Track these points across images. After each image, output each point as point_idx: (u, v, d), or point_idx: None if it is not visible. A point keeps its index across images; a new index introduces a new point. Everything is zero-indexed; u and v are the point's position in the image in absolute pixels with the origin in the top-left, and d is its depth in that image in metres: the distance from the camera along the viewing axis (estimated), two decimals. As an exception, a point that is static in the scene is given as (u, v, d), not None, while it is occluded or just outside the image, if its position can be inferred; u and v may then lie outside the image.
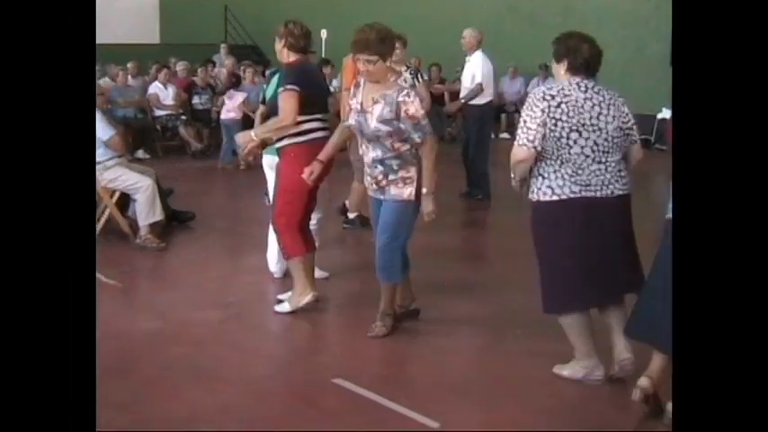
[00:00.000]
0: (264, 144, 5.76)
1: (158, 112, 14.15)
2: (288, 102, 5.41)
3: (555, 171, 4.42)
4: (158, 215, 7.79)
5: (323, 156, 5.39)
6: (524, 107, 4.44)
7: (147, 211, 7.69)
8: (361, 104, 5.10)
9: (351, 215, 8.44)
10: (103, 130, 7.62)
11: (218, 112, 13.82)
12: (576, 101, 4.38)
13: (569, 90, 4.40)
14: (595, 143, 4.38)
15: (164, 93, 14.18)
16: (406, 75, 7.91)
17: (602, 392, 4.56)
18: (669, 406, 3.88)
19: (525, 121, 4.38)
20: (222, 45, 18.50)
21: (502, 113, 16.84)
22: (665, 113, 14.67)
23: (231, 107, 13.07)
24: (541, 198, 4.48)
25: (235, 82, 14.09)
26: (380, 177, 5.11)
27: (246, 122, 13.47)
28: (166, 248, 7.70)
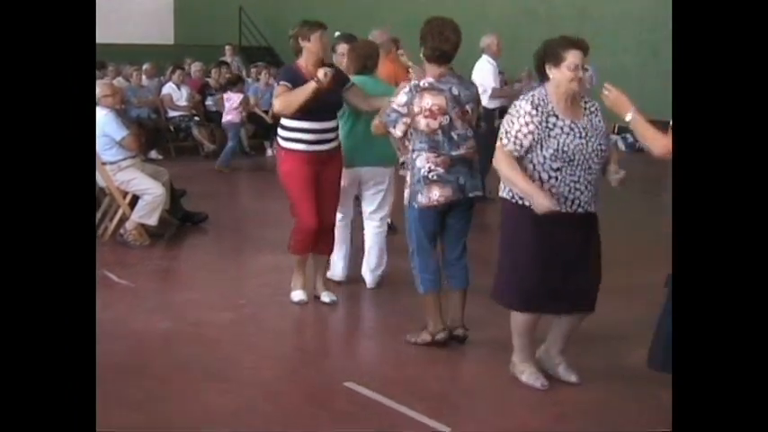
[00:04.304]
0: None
1: (172, 113, 14.19)
2: (276, 93, 5.82)
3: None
4: (153, 221, 7.78)
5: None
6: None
7: (145, 212, 7.69)
8: None
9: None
10: (117, 131, 7.63)
11: (218, 112, 13.87)
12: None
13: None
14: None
15: (177, 93, 14.22)
16: None
17: (615, 399, 4.54)
18: None
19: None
20: (227, 47, 18.41)
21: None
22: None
23: (229, 109, 13.07)
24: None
25: (234, 81, 14.01)
26: None
27: (259, 122, 13.57)
28: (152, 246, 7.72)
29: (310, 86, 5.50)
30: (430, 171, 4.87)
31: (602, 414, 4.40)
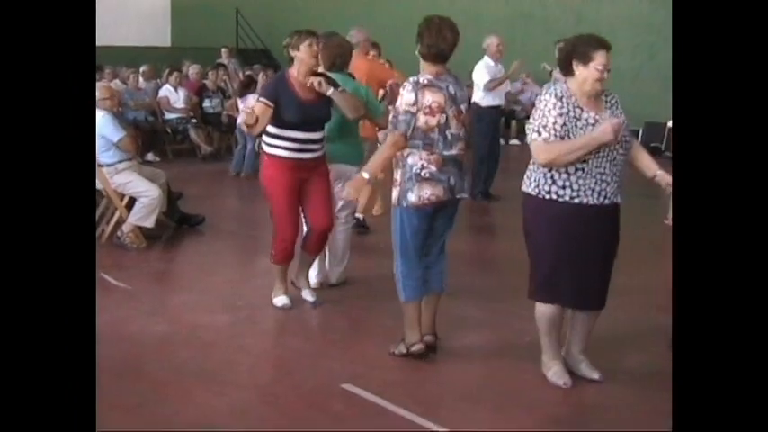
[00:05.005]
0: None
1: (169, 116, 14.18)
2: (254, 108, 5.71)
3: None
4: (149, 223, 7.77)
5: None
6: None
7: (142, 215, 7.68)
8: None
9: (359, 216, 8.21)
10: (113, 133, 7.62)
11: (230, 116, 13.85)
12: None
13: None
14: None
15: (174, 96, 14.21)
16: None
17: (612, 400, 4.54)
18: None
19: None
20: (223, 49, 18.35)
21: (512, 119, 16.81)
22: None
23: (243, 111, 13.04)
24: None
25: (246, 84, 14.01)
26: None
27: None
28: (149, 248, 7.73)
29: (244, 127, 5.62)
30: (422, 168, 4.81)
31: (600, 415, 4.41)
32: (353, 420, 4.29)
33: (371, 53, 8.58)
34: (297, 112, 5.58)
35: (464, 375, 5.02)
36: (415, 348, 5.01)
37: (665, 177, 4.39)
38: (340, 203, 6.37)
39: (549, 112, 4.38)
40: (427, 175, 4.82)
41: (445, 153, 4.84)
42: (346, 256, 6.54)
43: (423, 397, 4.59)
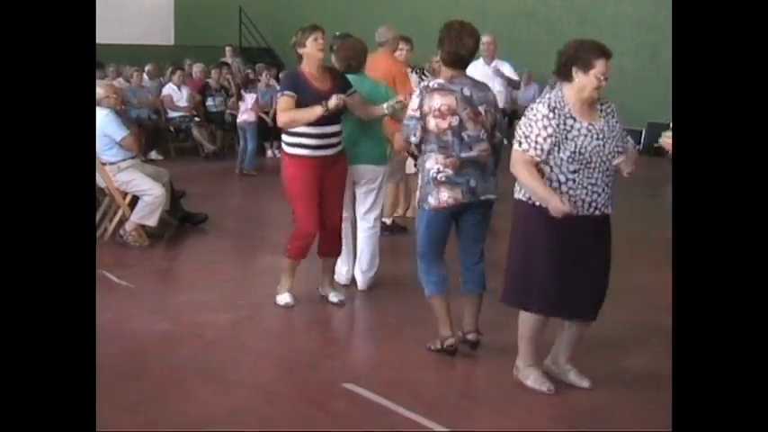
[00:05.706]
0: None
1: (172, 114, 14.20)
2: (279, 104, 5.76)
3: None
4: (152, 222, 7.78)
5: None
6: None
7: (144, 213, 7.69)
8: None
9: (386, 220, 8.07)
10: (117, 131, 7.63)
11: (233, 115, 13.85)
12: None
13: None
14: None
15: (177, 94, 14.23)
16: (413, 76, 8.06)
17: (614, 401, 4.54)
18: None
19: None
20: (227, 48, 18.34)
21: (516, 119, 16.81)
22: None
23: (244, 109, 13.06)
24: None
25: (244, 84, 14.03)
26: None
27: (261, 124, 13.49)
28: (151, 246, 7.73)
29: (317, 111, 5.52)
30: (439, 172, 4.84)
31: (602, 416, 4.40)
32: (355, 420, 4.29)
33: (405, 48, 8.54)
34: (315, 103, 5.58)
35: (468, 376, 5.02)
36: (447, 343, 5.04)
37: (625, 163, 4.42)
38: (364, 208, 6.37)
39: (535, 123, 4.34)
40: (444, 179, 4.86)
41: (463, 155, 4.86)
42: (376, 263, 6.43)
43: (425, 397, 4.58)
